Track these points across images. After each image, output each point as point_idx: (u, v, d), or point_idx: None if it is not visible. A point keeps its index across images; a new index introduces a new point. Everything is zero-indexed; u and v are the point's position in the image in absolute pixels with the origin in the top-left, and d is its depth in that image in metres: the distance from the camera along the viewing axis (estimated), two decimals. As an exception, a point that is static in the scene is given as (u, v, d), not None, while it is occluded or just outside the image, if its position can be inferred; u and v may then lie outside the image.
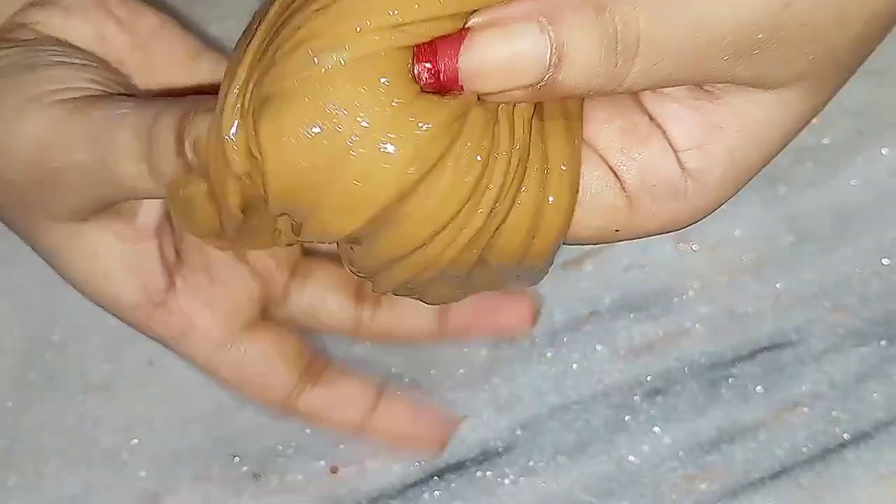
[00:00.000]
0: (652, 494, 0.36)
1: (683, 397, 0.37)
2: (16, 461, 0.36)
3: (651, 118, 0.24)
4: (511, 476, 0.37)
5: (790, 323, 0.38)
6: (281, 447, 0.37)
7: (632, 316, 0.38)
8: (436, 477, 0.37)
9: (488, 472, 0.37)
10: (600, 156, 0.25)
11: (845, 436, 0.37)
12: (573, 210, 0.24)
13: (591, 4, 0.21)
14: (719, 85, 0.23)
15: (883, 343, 0.38)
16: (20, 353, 0.37)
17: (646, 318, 0.38)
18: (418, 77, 0.22)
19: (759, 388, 0.38)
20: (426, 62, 0.22)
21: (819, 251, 0.39)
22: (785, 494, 0.36)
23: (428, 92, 0.22)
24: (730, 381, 0.38)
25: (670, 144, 0.24)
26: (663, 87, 0.23)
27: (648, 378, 0.38)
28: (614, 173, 0.25)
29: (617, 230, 0.25)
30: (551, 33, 0.21)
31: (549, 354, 0.38)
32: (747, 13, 0.21)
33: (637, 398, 0.37)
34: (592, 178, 0.24)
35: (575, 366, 0.38)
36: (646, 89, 0.23)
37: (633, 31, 0.21)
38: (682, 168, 0.24)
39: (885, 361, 0.38)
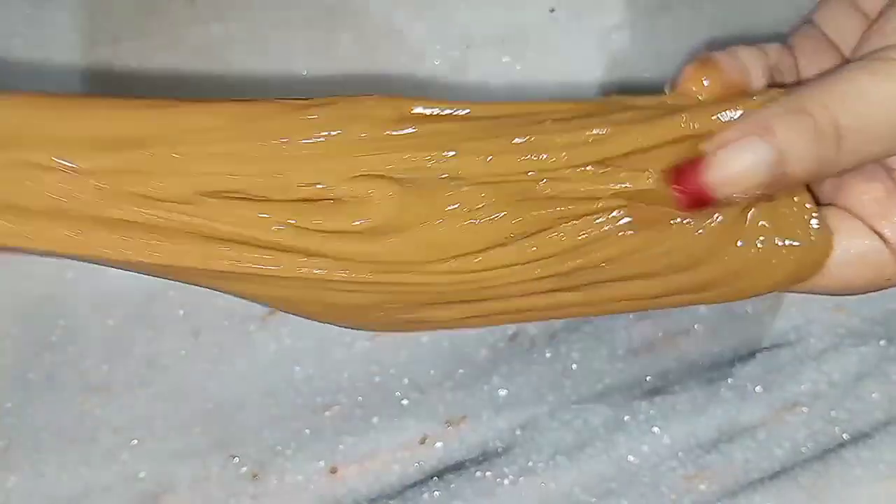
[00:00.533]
0: (651, 494, 0.36)
1: (683, 397, 0.38)
2: (15, 462, 0.36)
3: None
4: (510, 476, 0.37)
5: (789, 323, 0.38)
6: (280, 447, 0.37)
7: (631, 316, 0.38)
8: (435, 477, 0.37)
9: (488, 473, 0.37)
10: (864, 222, 0.30)
11: (844, 435, 0.37)
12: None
13: (792, 111, 0.27)
14: None
15: (882, 343, 0.38)
16: (19, 354, 0.37)
17: (645, 318, 0.38)
18: (680, 203, 0.28)
19: (758, 388, 0.38)
20: (680, 188, 0.28)
21: (818, 251, 0.39)
22: (784, 494, 0.36)
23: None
24: (729, 380, 0.38)
25: None
26: (884, 158, 0.29)
27: (648, 378, 0.38)
28: (879, 234, 0.29)
29: (888, 279, 0.30)
30: (770, 141, 0.27)
31: (548, 354, 0.38)
32: None
33: (636, 398, 0.37)
34: (860, 241, 0.30)
35: (574, 366, 0.38)
36: (863, 164, 0.28)
37: (831, 123, 0.27)
38: None
39: (884, 361, 0.38)
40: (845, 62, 0.29)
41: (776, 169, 0.27)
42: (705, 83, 0.30)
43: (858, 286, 0.31)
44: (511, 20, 0.40)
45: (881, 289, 0.31)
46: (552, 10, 0.41)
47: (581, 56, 0.40)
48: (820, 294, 0.31)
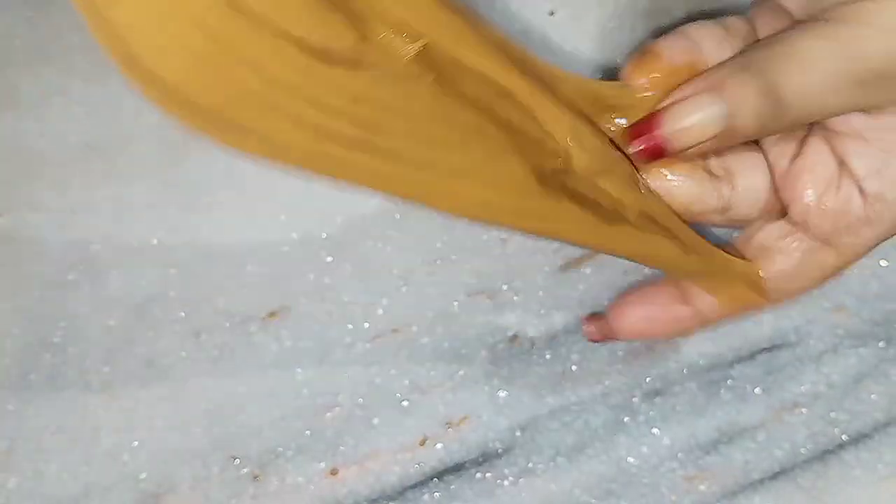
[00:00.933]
0: (651, 495, 0.36)
1: (683, 398, 0.38)
2: (16, 462, 0.36)
3: (840, 162, 0.31)
4: (510, 477, 0.37)
5: (789, 323, 0.38)
6: (281, 448, 0.37)
7: (631, 317, 0.38)
8: (435, 478, 0.37)
9: (488, 474, 0.37)
10: (798, 224, 0.31)
11: (844, 437, 0.37)
12: None
13: (741, 68, 0.29)
14: (885, 114, 0.29)
15: (881, 344, 0.38)
16: (20, 355, 0.37)
17: (645, 319, 0.38)
18: (640, 155, 0.30)
19: (757, 389, 0.38)
20: (637, 140, 0.30)
21: (818, 252, 0.39)
22: (784, 495, 0.37)
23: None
24: (729, 381, 0.38)
25: (853, 177, 0.30)
26: (824, 118, 0.30)
27: (647, 379, 0.38)
28: (809, 234, 0.31)
29: (832, 274, 0.32)
30: (721, 96, 0.29)
31: (548, 356, 0.38)
32: (872, 55, 0.28)
33: (636, 399, 0.38)
34: (796, 247, 0.32)
35: (574, 367, 0.38)
36: (809, 121, 0.29)
37: (774, 82, 0.28)
38: (864, 197, 0.30)
39: (883, 362, 0.38)
40: (793, 24, 0.30)
41: (726, 123, 0.29)
42: (650, 75, 0.31)
43: (803, 289, 0.32)
44: (511, 23, 0.40)
45: (827, 280, 0.32)
46: (552, 13, 0.41)
47: (581, 59, 0.40)
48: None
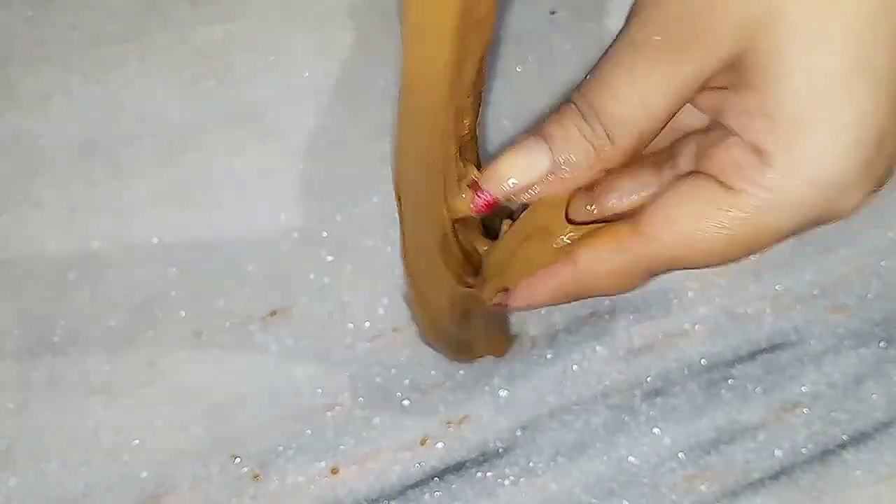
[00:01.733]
0: (652, 495, 0.36)
1: (683, 398, 0.38)
2: (17, 462, 0.36)
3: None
4: (511, 477, 0.37)
5: (789, 323, 0.38)
6: (281, 448, 0.37)
7: (631, 317, 0.38)
8: (436, 478, 0.37)
9: (489, 473, 0.37)
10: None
11: (844, 436, 0.37)
12: None
13: (561, 111, 0.28)
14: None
15: (882, 344, 0.38)
16: (21, 355, 0.37)
17: (645, 319, 0.38)
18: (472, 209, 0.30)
19: (758, 389, 0.38)
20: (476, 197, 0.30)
21: (818, 252, 0.39)
22: (784, 495, 0.36)
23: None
24: (729, 381, 0.38)
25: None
26: (649, 142, 0.28)
27: (648, 379, 0.38)
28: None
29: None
30: (544, 141, 0.28)
31: (549, 355, 0.38)
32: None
33: (637, 399, 0.38)
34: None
35: (575, 367, 0.38)
36: (639, 150, 0.28)
37: (595, 115, 0.27)
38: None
39: (884, 362, 0.38)
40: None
41: (553, 166, 0.28)
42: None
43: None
44: (512, 22, 0.41)
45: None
46: (553, 13, 0.41)
47: (581, 58, 0.40)
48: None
